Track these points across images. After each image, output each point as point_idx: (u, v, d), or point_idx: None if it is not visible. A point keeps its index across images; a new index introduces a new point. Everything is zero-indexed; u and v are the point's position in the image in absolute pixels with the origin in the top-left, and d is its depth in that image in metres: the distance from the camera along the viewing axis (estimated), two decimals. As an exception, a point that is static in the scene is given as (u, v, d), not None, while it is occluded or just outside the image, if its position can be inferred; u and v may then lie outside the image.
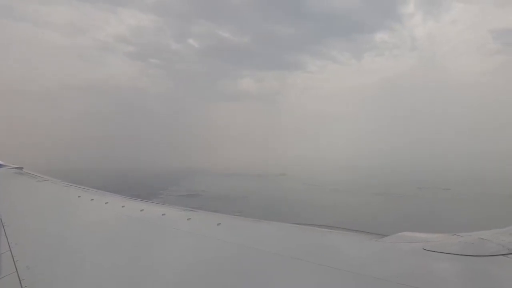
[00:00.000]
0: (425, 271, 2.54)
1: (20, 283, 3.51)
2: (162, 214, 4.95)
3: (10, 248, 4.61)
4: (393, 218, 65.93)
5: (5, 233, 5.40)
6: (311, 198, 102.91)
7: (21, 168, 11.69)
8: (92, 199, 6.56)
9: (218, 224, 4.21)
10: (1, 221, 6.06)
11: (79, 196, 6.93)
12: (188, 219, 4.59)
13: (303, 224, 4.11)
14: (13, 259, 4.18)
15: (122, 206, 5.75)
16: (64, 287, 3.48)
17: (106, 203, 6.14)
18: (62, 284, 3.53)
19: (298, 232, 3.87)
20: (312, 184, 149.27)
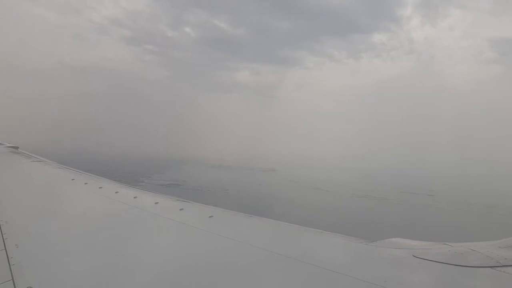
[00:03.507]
0: (414, 278, 2.64)
1: (8, 260, 3.53)
2: (155, 203, 5.04)
3: None
4: (366, 221, 65.41)
5: None
6: (292, 195, 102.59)
7: (16, 148, 12.20)
8: (86, 183, 6.59)
9: (210, 216, 4.28)
10: None
11: (73, 179, 7.01)
12: (180, 210, 4.67)
13: (293, 224, 4.12)
14: (2, 236, 4.21)
15: (116, 192, 5.78)
16: (52, 267, 3.43)
17: (100, 187, 6.21)
18: (50, 264, 3.49)
19: (288, 231, 3.98)
20: (298, 181, 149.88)
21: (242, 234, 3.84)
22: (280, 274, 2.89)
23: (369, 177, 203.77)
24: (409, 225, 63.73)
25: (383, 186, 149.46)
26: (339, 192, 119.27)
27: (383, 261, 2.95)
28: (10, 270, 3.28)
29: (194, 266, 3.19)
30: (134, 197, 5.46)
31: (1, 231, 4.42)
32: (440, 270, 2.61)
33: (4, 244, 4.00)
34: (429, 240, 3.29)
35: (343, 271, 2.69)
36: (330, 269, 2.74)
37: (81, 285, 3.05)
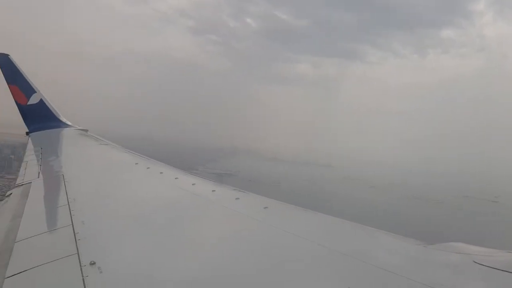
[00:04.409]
0: (473, 284, 2.58)
1: (74, 235, 3.72)
2: (212, 191, 5.20)
3: (68, 202, 4.95)
4: (422, 223, 62.76)
5: (65, 188, 5.82)
6: (346, 192, 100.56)
7: (86, 130, 13.17)
8: (148, 167, 6.94)
9: (265, 207, 4.30)
10: (63, 177, 6.57)
11: (136, 163, 7.40)
12: (236, 199, 4.73)
13: (349, 220, 4.06)
14: (70, 213, 4.48)
15: (176, 178, 6.00)
16: (114, 245, 3.63)
17: (161, 173, 6.50)
18: (112, 242, 3.70)
19: (344, 227, 3.92)
20: (354, 178, 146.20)
21: (296, 227, 3.79)
22: (334, 271, 2.87)
23: (429, 178, 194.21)
24: (466, 230, 60.52)
25: (444, 189, 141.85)
26: (395, 191, 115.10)
27: (442, 265, 2.87)
28: (76, 244, 3.51)
29: (248, 256, 3.21)
30: (193, 184, 5.57)
31: (69, 208, 4.71)
32: (502, 278, 2.53)
33: (72, 220, 4.26)
34: (490, 247, 3.20)
35: (400, 272, 2.64)
36: (386, 269, 2.70)
37: (140, 263, 3.19)
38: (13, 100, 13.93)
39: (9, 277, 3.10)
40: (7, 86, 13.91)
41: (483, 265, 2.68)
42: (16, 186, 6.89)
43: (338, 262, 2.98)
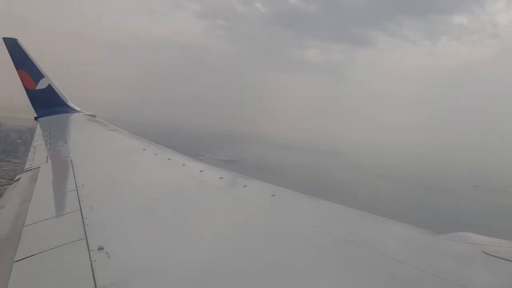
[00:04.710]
0: (482, 274, 2.57)
1: (83, 221, 3.76)
2: (220, 178, 5.17)
3: (76, 188, 5.00)
4: (430, 213, 62.65)
5: (74, 173, 5.88)
6: (353, 180, 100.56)
7: (94, 116, 13.27)
8: (156, 154, 6.95)
9: (273, 195, 4.25)
10: (72, 162, 6.65)
11: (144, 149, 7.43)
12: (244, 186, 4.72)
13: (357, 209, 4.01)
14: (78, 198, 4.53)
15: (183, 165, 5.99)
16: (121, 230, 3.70)
17: (169, 159, 6.46)
18: (120, 227, 3.77)
19: (352, 216, 3.87)
20: (362, 166, 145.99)
21: (304, 215, 3.77)
22: (341, 260, 2.85)
23: (439, 167, 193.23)
24: (476, 220, 60.33)
25: (454, 177, 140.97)
26: (404, 180, 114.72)
27: (451, 255, 2.87)
28: (84, 230, 3.54)
29: (256, 244, 3.19)
30: (200, 171, 5.55)
31: (78, 193, 4.74)
32: (511, 269, 2.52)
33: (80, 205, 4.28)
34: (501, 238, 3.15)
35: (408, 262, 2.62)
36: (394, 258, 2.68)
37: (147, 249, 3.21)
38: (21, 84, 14.00)
39: (18, 261, 3.13)
40: (16, 70, 13.97)
41: (492, 255, 2.65)
42: (25, 171, 6.95)
43: (345, 251, 2.96)
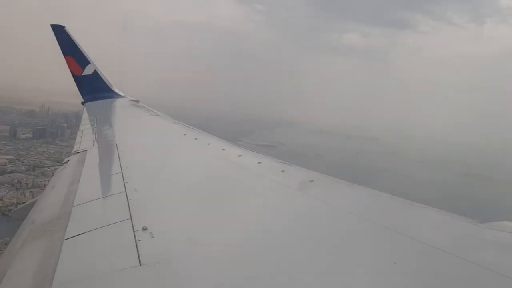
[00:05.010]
0: None
1: (128, 202, 3.89)
2: (258, 163, 5.14)
3: (121, 170, 5.15)
4: (466, 201, 60.32)
5: (118, 156, 6.10)
6: (392, 167, 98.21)
7: (137, 101, 13.75)
8: (196, 138, 7.15)
9: (311, 181, 4.25)
10: (117, 145, 6.87)
11: (185, 134, 7.63)
12: (282, 171, 4.70)
13: (397, 196, 3.91)
14: (123, 180, 4.67)
15: (222, 149, 6.10)
16: (164, 211, 3.83)
17: (209, 144, 6.58)
18: (162, 209, 3.91)
19: (391, 203, 3.78)
20: (401, 152, 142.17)
21: (343, 202, 3.73)
22: (381, 247, 2.81)
23: (482, 155, 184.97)
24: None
25: (497, 166, 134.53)
26: (444, 167, 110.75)
27: (494, 244, 2.80)
28: (129, 210, 3.65)
29: (294, 230, 3.20)
30: (239, 156, 5.60)
31: (123, 176, 4.88)
32: None
33: (125, 187, 4.41)
34: None
35: (450, 250, 2.55)
36: (435, 247, 2.62)
37: (189, 230, 3.33)
38: (67, 70, 14.53)
39: (67, 239, 3.27)
40: (63, 57, 14.52)
41: None
42: (73, 154, 7.27)
43: (385, 238, 2.92)
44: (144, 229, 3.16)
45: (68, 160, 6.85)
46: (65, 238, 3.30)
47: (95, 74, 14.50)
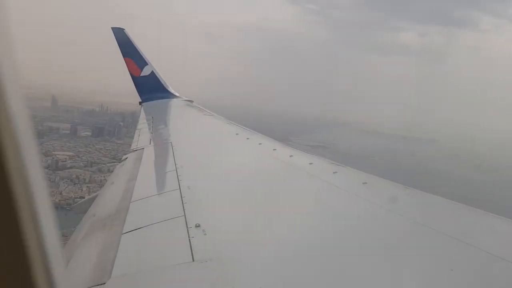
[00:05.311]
0: None
1: (181, 199, 4.02)
2: (310, 163, 5.10)
3: (176, 168, 5.33)
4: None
5: (173, 155, 6.29)
6: (449, 170, 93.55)
7: (191, 101, 14.24)
8: (248, 138, 7.24)
9: (364, 183, 4.17)
10: (172, 144, 7.20)
11: (237, 134, 7.79)
12: (334, 173, 4.64)
13: (457, 202, 3.72)
14: (177, 178, 4.83)
15: (274, 149, 6.12)
16: (216, 209, 3.93)
17: (260, 144, 6.64)
18: (215, 207, 4.01)
19: (450, 208, 3.62)
20: (459, 155, 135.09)
21: (398, 206, 3.55)
22: (437, 252, 2.69)
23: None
24: None
25: None
26: (503, 171, 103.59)
27: None
28: (183, 208, 3.76)
29: (346, 232, 3.16)
30: (290, 156, 5.59)
31: (177, 174, 5.03)
32: None
33: (179, 185, 4.54)
34: None
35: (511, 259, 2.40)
36: (494, 254, 2.49)
37: (240, 228, 3.38)
38: (124, 71, 15.11)
39: (125, 233, 3.42)
40: (122, 58, 15.16)
41: None
42: (131, 151, 7.61)
43: (442, 244, 2.79)
44: (197, 226, 3.24)
45: (127, 158, 7.14)
46: (123, 232, 3.44)
47: (152, 75, 15.02)
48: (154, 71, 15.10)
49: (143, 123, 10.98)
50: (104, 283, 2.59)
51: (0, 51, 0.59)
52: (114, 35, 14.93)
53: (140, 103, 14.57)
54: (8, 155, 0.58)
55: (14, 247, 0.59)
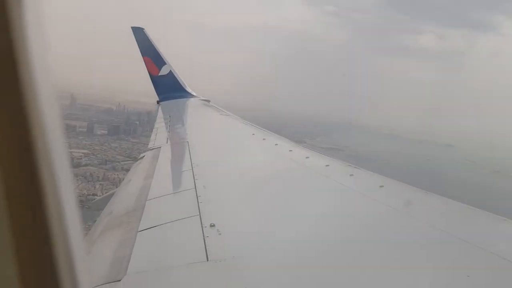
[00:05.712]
0: None
1: (197, 198, 4.07)
2: (326, 165, 5.11)
3: (192, 167, 5.38)
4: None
5: (190, 154, 6.37)
6: (466, 175, 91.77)
7: (208, 101, 14.47)
8: (264, 139, 7.23)
9: (381, 186, 4.14)
10: (188, 144, 7.28)
11: (253, 134, 7.87)
12: (350, 175, 4.63)
13: (467, 205, 3.74)
14: (193, 177, 4.87)
15: (290, 150, 6.12)
16: (231, 209, 3.97)
17: (276, 144, 6.68)
18: (230, 207, 4.05)
19: (465, 212, 3.60)
20: (476, 161, 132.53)
21: (415, 210, 3.53)
22: (453, 258, 2.68)
23: None
24: None
25: None
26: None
27: None
28: (198, 207, 3.78)
29: (361, 235, 3.16)
30: (306, 157, 5.60)
31: (193, 173, 5.06)
32: None
33: (195, 184, 4.56)
34: None
35: None
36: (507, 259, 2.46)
37: (255, 228, 3.41)
38: (142, 70, 15.31)
39: (141, 230, 3.46)
40: (141, 57, 15.31)
41: None
42: (148, 150, 7.71)
43: (458, 249, 2.76)
44: (212, 225, 3.24)
45: (144, 156, 7.23)
46: (139, 230, 3.47)
47: (171, 75, 15.16)
48: (172, 71, 15.24)
49: (160, 122, 11.10)
50: (120, 280, 2.62)
51: (35, 52, 0.61)
52: (134, 34, 15.10)
53: (157, 102, 14.71)
54: (38, 153, 0.60)
55: (41, 241, 0.61)
